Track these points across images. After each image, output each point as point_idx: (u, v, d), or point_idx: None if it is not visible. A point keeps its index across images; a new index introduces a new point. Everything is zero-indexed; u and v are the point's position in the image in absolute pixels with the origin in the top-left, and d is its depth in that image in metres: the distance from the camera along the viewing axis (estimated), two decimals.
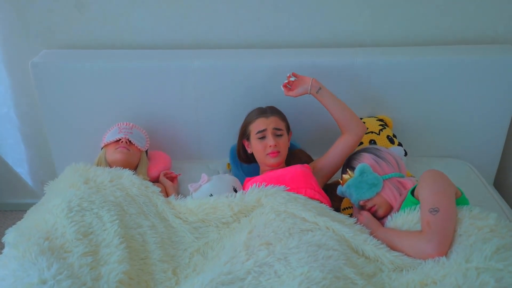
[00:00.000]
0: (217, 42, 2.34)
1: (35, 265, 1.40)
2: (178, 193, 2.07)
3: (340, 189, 1.82)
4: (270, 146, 1.95)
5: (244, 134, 2.08)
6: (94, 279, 1.44)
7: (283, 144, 2.00)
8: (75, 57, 2.27)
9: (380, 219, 1.71)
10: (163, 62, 2.23)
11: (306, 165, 2.00)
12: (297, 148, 2.28)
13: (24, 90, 2.44)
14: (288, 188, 1.81)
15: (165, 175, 2.16)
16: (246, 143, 2.09)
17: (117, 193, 1.81)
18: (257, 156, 2.03)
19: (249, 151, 2.08)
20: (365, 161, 1.75)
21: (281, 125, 2.02)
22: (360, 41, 2.33)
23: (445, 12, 2.27)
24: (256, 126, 2.01)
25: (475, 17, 2.27)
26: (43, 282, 1.35)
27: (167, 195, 2.01)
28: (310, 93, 1.98)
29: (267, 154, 1.97)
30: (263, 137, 1.99)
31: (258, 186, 1.83)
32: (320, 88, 1.97)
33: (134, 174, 1.93)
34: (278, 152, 1.96)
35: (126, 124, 2.17)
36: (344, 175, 1.80)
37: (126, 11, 2.27)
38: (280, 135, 2.00)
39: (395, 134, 2.25)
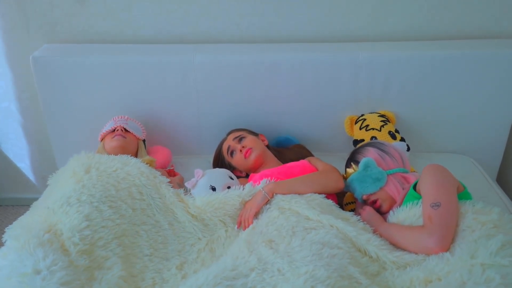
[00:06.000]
0: (218, 37, 2.32)
1: (32, 256, 1.40)
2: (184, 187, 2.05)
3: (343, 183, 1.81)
4: (240, 150, 2.00)
5: (224, 163, 2.12)
6: (89, 278, 1.45)
7: (250, 142, 2.04)
8: (76, 51, 2.26)
9: (383, 213, 1.70)
10: (165, 56, 2.22)
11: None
12: (296, 143, 2.27)
13: (25, 85, 2.43)
14: None
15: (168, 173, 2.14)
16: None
17: (122, 185, 1.75)
18: (244, 168, 2.05)
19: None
20: (369, 155, 1.75)
21: (239, 133, 2.09)
22: (362, 36, 2.32)
23: (448, 6, 2.25)
24: (224, 151, 2.11)
25: (479, 11, 2.26)
26: (37, 273, 1.35)
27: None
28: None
29: (244, 158, 2.00)
30: (233, 152, 2.05)
31: (269, 179, 1.80)
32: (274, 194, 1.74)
33: (141, 162, 1.87)
34: (250, 149, 1.99)
35: (121, 117, 2.18)
36: (348, 169, 1.79)
37: (127, 5, 2.26)
38: (243, 138, 2.06)
39: (397, 129, 2.24)
